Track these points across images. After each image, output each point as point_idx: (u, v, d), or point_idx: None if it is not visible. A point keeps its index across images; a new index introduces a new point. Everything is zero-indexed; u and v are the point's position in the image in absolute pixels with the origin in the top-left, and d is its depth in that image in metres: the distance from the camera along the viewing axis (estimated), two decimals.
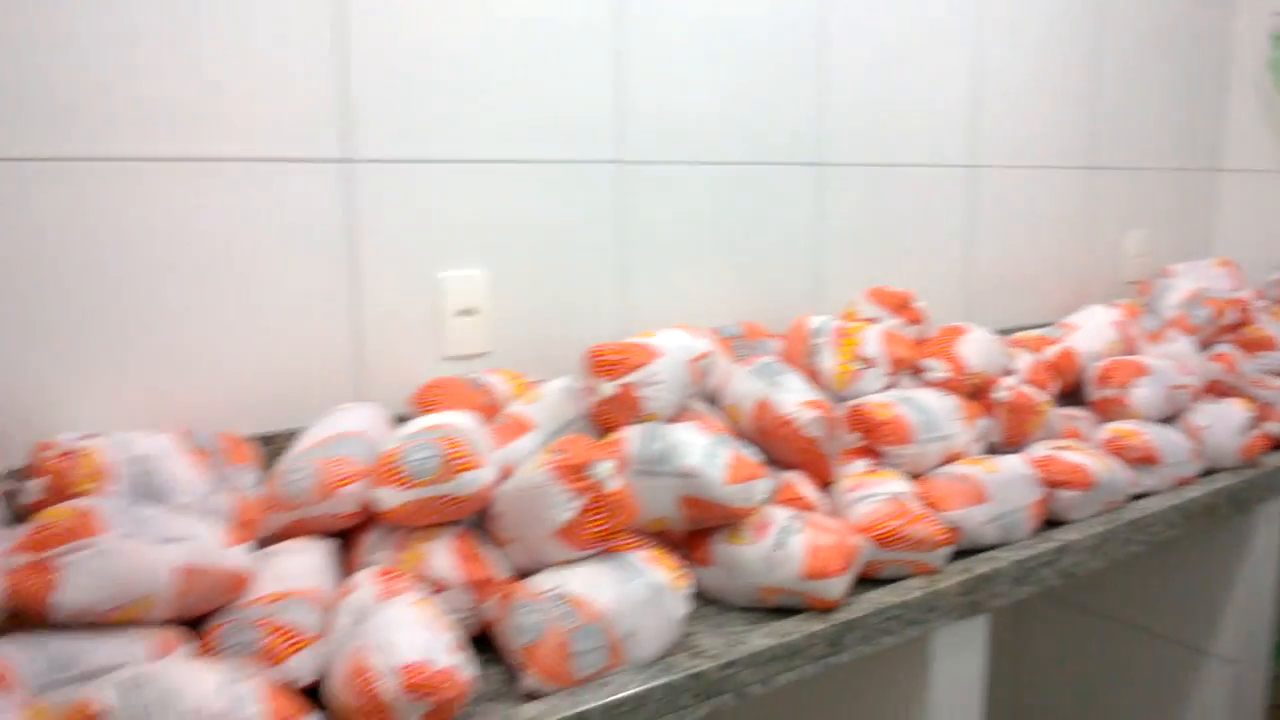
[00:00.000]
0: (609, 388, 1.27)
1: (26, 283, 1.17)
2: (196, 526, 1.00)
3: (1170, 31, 2.51)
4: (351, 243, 1.38)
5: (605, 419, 1.27)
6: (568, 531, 1.07)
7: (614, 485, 1.09)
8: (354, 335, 1.40)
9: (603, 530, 1.08)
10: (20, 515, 1.05)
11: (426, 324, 1.46)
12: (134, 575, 0.92)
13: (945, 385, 1.56)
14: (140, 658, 0.92)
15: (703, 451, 1.18)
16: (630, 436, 1.21)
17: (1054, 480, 1.45)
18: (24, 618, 0.92)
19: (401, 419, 1.32)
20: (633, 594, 1.05)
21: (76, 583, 0.90)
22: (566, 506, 1.07)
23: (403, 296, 1.43)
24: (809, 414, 1.33)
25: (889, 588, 1.24)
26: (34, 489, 1.04)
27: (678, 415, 1.33)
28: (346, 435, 1.19)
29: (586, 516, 1.07)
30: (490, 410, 1.35)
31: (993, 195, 2.18)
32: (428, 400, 1.36)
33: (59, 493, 1.02)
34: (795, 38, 1.80)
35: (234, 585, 1.00)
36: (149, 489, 1.05)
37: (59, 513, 0.94)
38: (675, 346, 1.33)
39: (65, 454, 1.05)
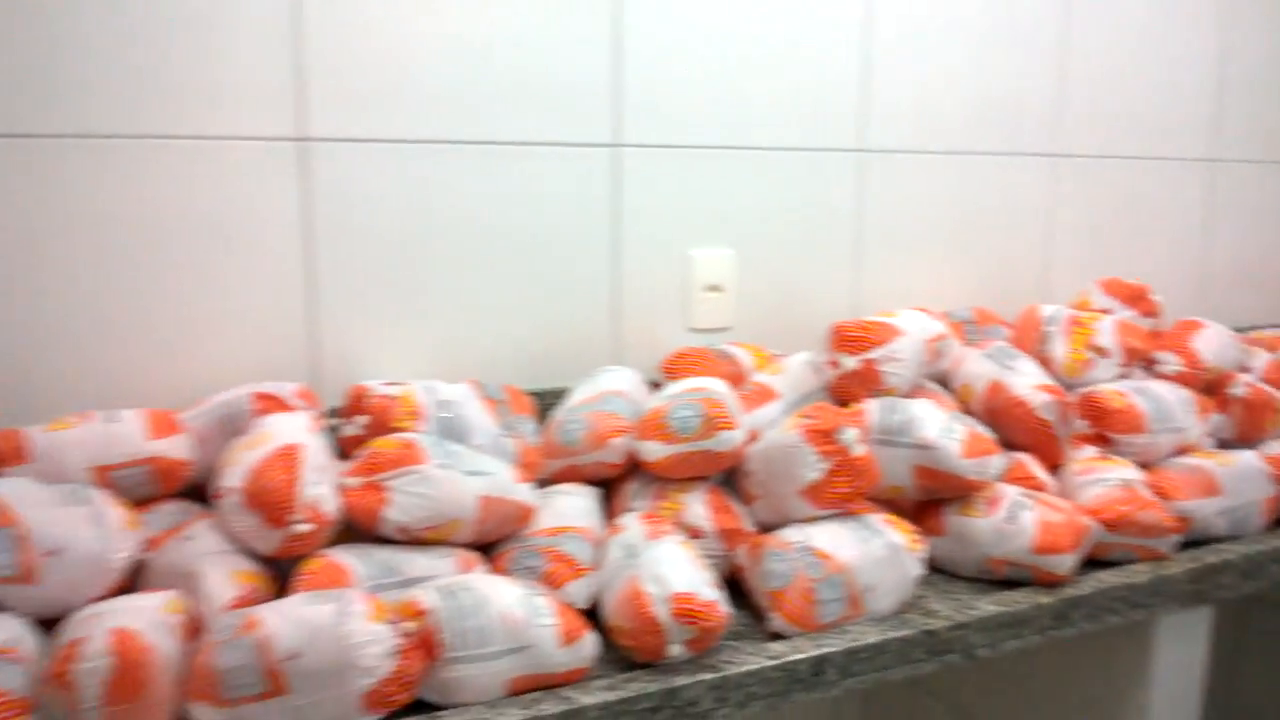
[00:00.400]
0: (852, 362, 1.35)
1: (356, 248, 1.35)
2: (494, 464, 1.14)
3: None
4: (614, 220, 1.51)
5: (846, 391, 1.36)
6: (814, 490, 1.17)
7: (859, 451, 1.17)
8: (613, 305, 1.53)
9: (846, 492, 1.17)
10: (342, 447, 1.22)
11: (677, 298, 1.57)
12: (448, 500, 1.07)
13: (1179, 379, 1.57)
14: (449, 571, 1.07)
15: (940, 426, 1.25)
16: (871, 408, 1.29)
17: None
18: (355, 531, 1.08)
19: (654, 384, 1.45)
20: (873, 552, 1.14)
21: (402, 503, 1.06)
22: (815, 467, 1.16)
23: (657, 271, 1.55)
24: (1043, 397, 1.38)
25: (1116, 570, 1.27)
26: (357, 424, 1.21)
27: (913, 392, 1.40)
28: (612, 394, 1.32)
29: (832, 478, 1.16)
30: (735, 379, 1.45)
31: (1232, 190, 2.13)
32: (677, 367, 1.48)
33: (379, 428, 1.18)
34: (1036, 29, 1.82)
35: (523, 517, 1.14)
36: (452, 429, 1.20)
37: (387, 443, 1.10)
38: (914, 327, 1.40)
39: (384, 396, 1.21)
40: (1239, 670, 2.17)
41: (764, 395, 1.39)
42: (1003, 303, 1.83)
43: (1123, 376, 1.55)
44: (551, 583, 1.08)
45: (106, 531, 0.98)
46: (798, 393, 1.39)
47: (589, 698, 0.97)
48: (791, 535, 1.15)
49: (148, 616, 0.87)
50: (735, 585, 1.18)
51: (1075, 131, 1.91)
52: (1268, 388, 1.60)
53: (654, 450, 1.21)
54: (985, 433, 1.29)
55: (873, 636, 1.10)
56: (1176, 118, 2.03)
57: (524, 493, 1.15)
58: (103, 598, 0.95)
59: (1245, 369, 1.69)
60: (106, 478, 1.08)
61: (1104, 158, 1.96)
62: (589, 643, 1.01)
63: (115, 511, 1.00)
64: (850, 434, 1.17)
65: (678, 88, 1.52)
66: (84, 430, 1.09)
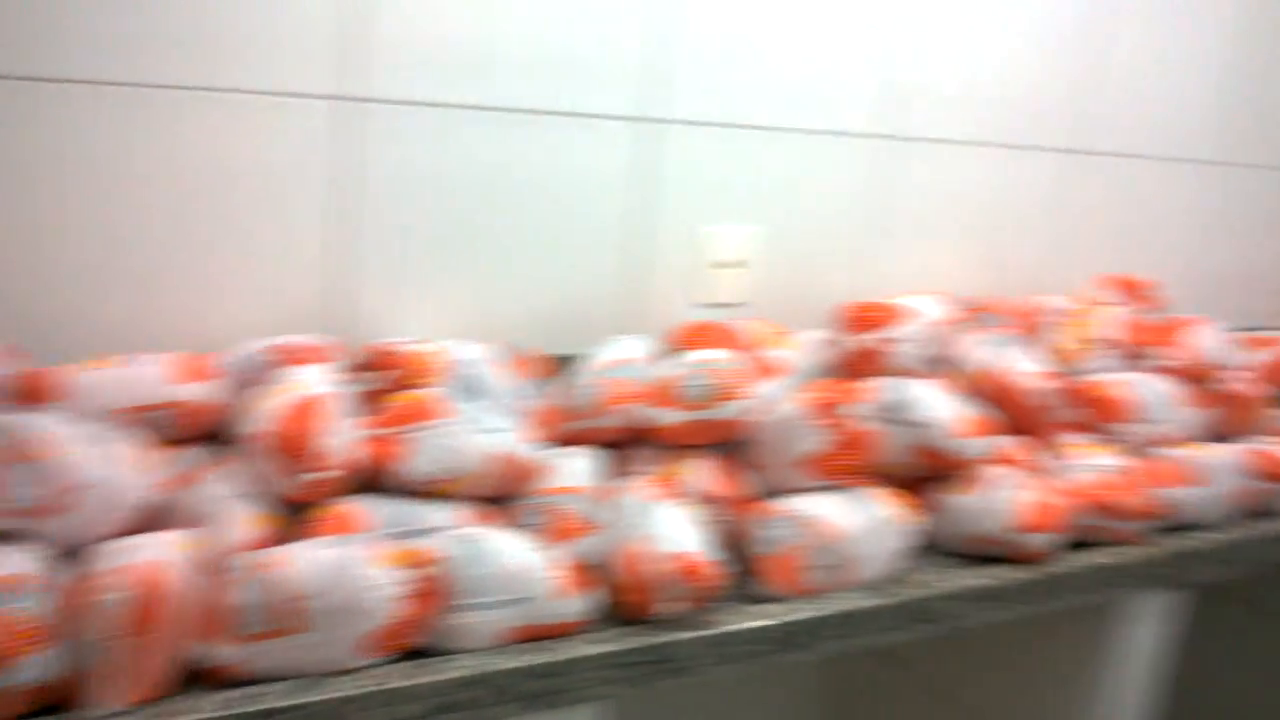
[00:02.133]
0: (859, 342, 1.33)
1: (387, 210, 1.32)
2: (508, 423, 1.13)
3: None
4: (640, 192, 1.47)
5: (855, 369, 1.34)
6: (814, 462, 1.16)
7: (858, 426, 1.16)
8: (635, 276, 1.50)
9: (844, 465, 1.16)
10: (365, 400, 1.21)
11: (697, 272, 1.55)
12: (464, 455, 1.07)
13: (1171, 372, 1.55)
14: (462, 524, 1.06)
15: (937, 407, 1.24)
16: (875, 386, 1.27)
17: (1265, 472, 1.42)
18: (375, 481, 1.08)
19: (665, 355, 1.42)
20: (864, 523, 1.13)
21: (422, 456, 1.05)
22: (814, 439, 1.15)
23: (679, 245, 1.52)
24: (1038, 383, 1.36)
25: (1094, 551, 1.26)
26: (381, 379, 1.19)
27: (919, 373, 1.38)
28: (625, 361, 1.30)
29: (831, 451, 1.15)
30: (750, 353, 1.43)
31: (1240, 194, 2.09)
32: (689, 340, 1.46)
33: (403, 383, 1.17)
34: (1074, 28, 1.77)
35: (531, 475, 1.13)
36: (471, 388, 1.19)
37: (410, 397, 1.10)
38: (922, 311, 1.38)
39: (407, 353, 1.20)
40: (1203, 662, 2.15)
41: (775, 370, 1.37)
42: (1021, 292, 1.79)
43: (1117, 368, 1.53)
44: (555, 539, 1.08)
45: (126, 469, 0.97)
46: (810, 368, 1.38)
47: (587, 648, 0.97)
48: (786, 503, 1.14)
49: (167, 553, 0.87)
50: (735, 550, 1.17)
51: (1094, 129, 1.86)
52: (1253, 385, 1.58)
53: (666, 416, 1.20)
54: (980, 415, 1.27)
55: (861, 602, 1.09)
56: (1190, 121, 1.98)
57: (533, 452, 1.14)
58: (122, 534, 0.95)
59: (1236, 367, 1.66)
60: (135, 418, 1.06)
61: (1120, 156, 1.92)
62: (588, 597, 1.00)
63: (135, 451, 0.99)
64: (851, 410, 1.16)
65: (712, 67, 1.49)
66: (115, 372, 1.08)
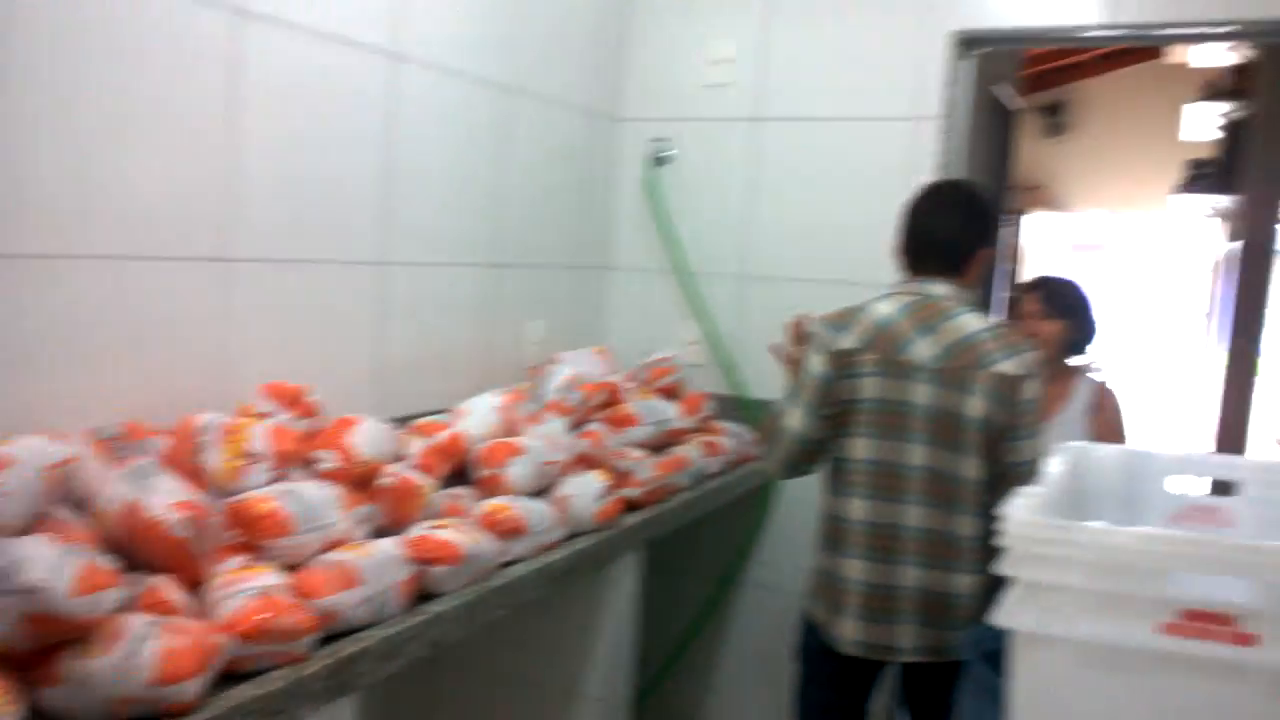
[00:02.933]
0: None
1: None
2: None
3: (568, 148, 2.76)
4: None
5: None
6: None
7: None
8: None
9: None
10: None
11: None
12: None
13: (335, 475, 1.58)
14: None
15: (48, 564, 1.10)
16: None
17: (425, 557, 1.51)
18: None
19: None
20: None
21: None
22: None
23: None
24: (177, 514, 1.28)
25: (254, 681, 1.22)
26: None
27: (31, 526, 1.22)
28: None
29: None
30: None
31: (403, 290, 2.24)
32: None
33: None
34: (201, 130, 1.74)
35: None
36: None
37: None
38: (28, 454, 1.23)
39: None
40: None
41: None
42: (179, 412, 1.68)
43: (278, 479, 1.52)
44: None
45: None
46: None
47: None
48: None
49: None
50: None
51: (244, 235, 1.85)
52: (415, 474, 1.68)
53: None
54: (104, 564, 1.16)
55: None
56: (348, 221, 2.07)
57: None
58: None
59: (401, 458, 1.76)
60: None
61: (284, 261, 1.93)
62: None
63: None
64: None
65: None
66: None
